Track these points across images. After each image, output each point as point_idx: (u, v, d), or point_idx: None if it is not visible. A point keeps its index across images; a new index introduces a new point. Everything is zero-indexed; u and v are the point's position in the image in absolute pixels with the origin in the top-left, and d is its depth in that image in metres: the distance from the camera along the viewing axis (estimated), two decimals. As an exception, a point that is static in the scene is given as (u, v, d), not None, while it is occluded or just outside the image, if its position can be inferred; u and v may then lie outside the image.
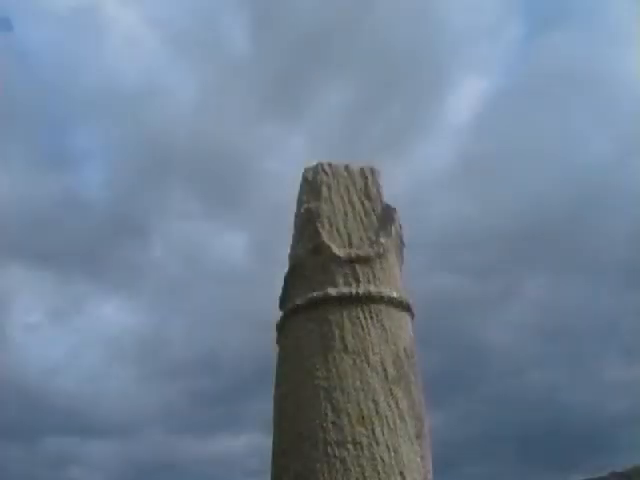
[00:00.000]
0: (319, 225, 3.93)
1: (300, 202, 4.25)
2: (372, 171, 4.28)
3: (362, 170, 4.26)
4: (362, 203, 4.07)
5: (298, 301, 3.81)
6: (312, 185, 4.17)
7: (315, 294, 3.74)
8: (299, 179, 4.36)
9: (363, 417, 3.38)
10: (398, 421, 3.42)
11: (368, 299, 3.68)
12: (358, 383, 3.47)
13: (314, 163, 4.31)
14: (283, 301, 4.09)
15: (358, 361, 3.53)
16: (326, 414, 3.40)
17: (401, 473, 3.29)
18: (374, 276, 3.82)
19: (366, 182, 4.17)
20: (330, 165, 4.24)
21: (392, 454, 3.32)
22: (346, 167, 4.23)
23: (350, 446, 3.31)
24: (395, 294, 3.80)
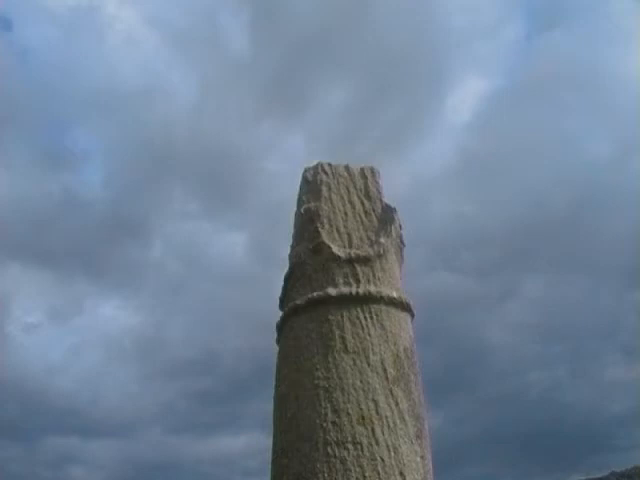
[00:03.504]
0: (319, 225, 3.93)
1: (300, 202, 4.25)
2: (372, 171, 4.28)
3: (362, 170, 4.27)
4: (362, 203, 4.07)
5: (298, 301, 3.81)
6: (312, 185, 4.17)
7: (315, 294, 3.74)
8: (299, 179, 4.36)
9: (363, 417, 3.38)
10: (398, 421, 3.42)
11: (368, 299, 3.68)
12: (358, 383, 3.47)
13: (314, 163, 4.31)
14: (283, 301, 4.09)
15: (358, 361, 3.52)
16: (326, 414, 3.40)
17: (401, 473, 3.29)
18: (374, 276, 3.82)
19: (366, 182, 4.17)
20: (330, 165, 4.24)
21: (392, 454, 3.32)
22: (346, 167, 4.23)
23: (350, 446, 3.31)
24: (395, 294, 3.80)
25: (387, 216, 4.08)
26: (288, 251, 4.20)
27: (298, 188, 4.34)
